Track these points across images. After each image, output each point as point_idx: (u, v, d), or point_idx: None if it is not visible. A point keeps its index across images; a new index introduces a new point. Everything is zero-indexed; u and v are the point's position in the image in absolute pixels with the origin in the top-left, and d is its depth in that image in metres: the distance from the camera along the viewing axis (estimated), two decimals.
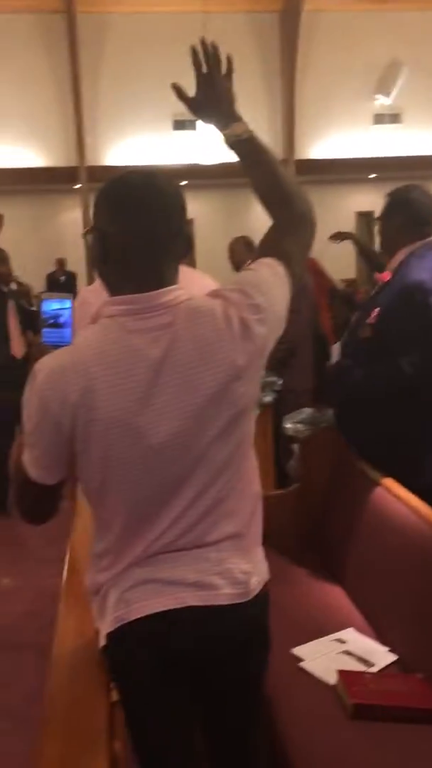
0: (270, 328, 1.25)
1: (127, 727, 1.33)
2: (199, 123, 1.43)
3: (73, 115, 12.54)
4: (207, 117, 1.40)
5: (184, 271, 1.31)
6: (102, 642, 1.30)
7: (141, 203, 1.20)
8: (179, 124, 12.48)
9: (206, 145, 10.60)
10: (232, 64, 1.37)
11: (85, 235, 8.26)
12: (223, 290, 1.27)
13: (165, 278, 1.23)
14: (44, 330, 1.47)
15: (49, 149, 12.82)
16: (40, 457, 1.23)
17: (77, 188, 12.64)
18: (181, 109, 1.41)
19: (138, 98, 12.26)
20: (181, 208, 1.25)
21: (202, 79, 1.36)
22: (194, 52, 1.35)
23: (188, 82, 1.37)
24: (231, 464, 1.26)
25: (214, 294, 1.27)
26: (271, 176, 1.35)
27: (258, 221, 1.82)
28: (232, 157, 1.36)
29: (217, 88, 1.36)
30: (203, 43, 1.36)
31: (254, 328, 1.22)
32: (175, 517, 1.24)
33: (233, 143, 1.36)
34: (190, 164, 11.64)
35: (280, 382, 3.23)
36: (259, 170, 1.36)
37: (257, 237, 1.53)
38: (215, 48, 1.37)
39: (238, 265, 5.60)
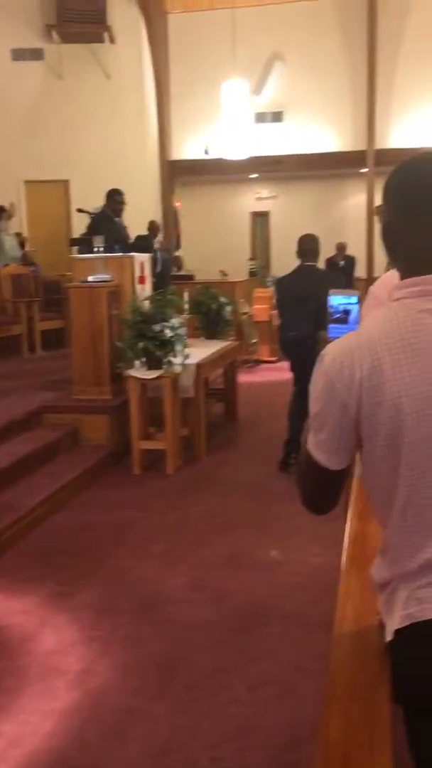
0: None
1: (406, 726, 1.31)
2: None
3: (366, 99, 12.43)
4: None
5: None
6: (389, 637, 1.28)
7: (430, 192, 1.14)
8: None
9: None
10: None
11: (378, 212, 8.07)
12: None
13: None
14: (330, 326, 1.46)
15: (340, 134, 12.89)
16: (325, 440, 1.21)
17: (364, 172, 12.55)
18: None
19: None
20: None
21: None
22: None
23: None
24: None
25: None
26: None
27: None
28: None
29: None
30: None
31: None
32: None
33: None
34: None
35: None
36: None
37: None
38: None
39: None
